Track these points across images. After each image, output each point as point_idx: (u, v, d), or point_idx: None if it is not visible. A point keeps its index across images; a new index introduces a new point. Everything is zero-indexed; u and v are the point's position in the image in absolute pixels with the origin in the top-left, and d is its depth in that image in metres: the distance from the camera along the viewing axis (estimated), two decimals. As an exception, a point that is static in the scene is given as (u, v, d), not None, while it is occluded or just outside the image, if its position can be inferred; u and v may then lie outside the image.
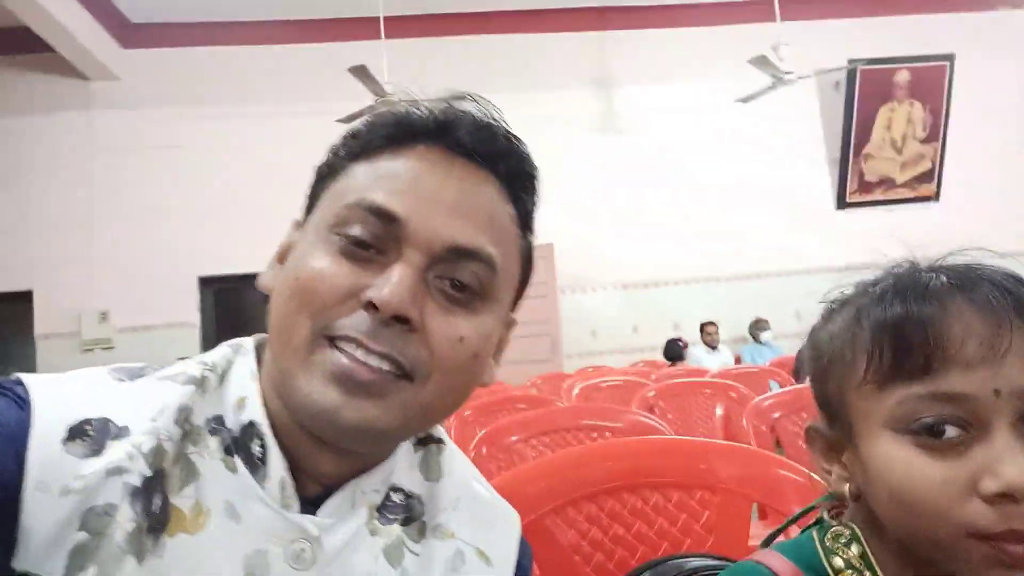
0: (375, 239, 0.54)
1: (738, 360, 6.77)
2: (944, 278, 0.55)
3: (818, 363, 0.61)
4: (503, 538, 0.65)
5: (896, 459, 0.54)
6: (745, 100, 6.42)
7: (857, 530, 0.60)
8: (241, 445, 0.55)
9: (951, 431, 0.52)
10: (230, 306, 7.29)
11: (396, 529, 0.59)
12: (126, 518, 0.49)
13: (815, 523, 0.63)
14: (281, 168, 5.80)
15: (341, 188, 0.58)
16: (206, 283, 7.12)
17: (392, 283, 0.52)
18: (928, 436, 0.52)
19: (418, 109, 0.60)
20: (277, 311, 0.56)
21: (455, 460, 0.66)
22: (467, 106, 0.60)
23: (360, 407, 0.52)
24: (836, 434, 0.60)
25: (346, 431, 0.53)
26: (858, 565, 0.58)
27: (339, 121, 5.71)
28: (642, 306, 7.36)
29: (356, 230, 0.54)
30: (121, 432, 0.51)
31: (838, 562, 0.59)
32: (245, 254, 5.56)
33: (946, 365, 0.52)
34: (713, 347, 6.76)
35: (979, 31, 7.71)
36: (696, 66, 7.53)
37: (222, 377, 0.59)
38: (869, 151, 7.62)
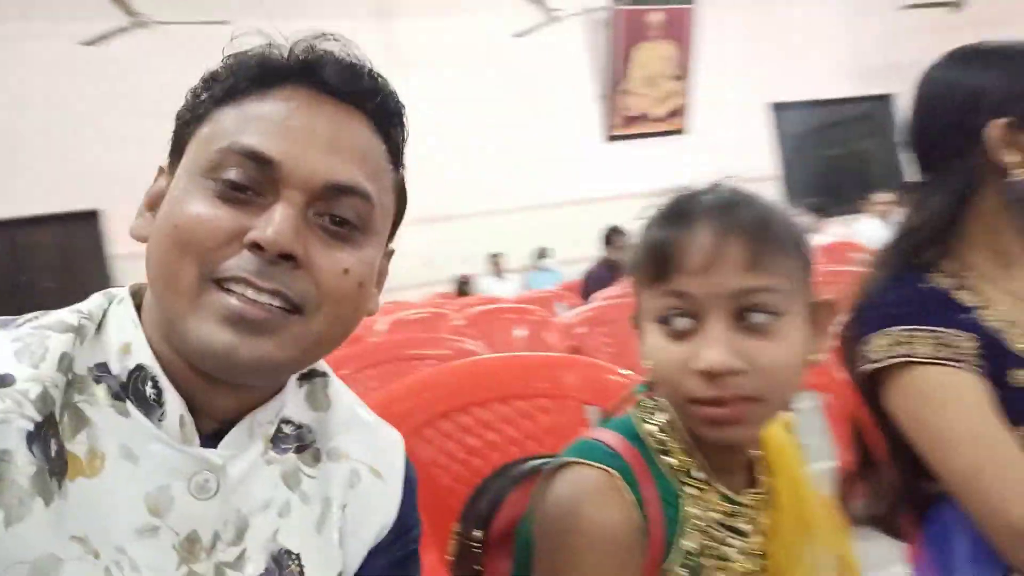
0: (251, 181, 0.55)
1: (527, 288, 7.17)
2: (697, 203, 0.70)
3: (630, 268, 0.76)
4: (391, 456, 0.70)
5: (657, 344, 0.70)
6: (520, 35, 6.61)
7: (663, 401, 0.74)
8: (132, 389, 0.56)
9: (683, 322, 0.68)
10: None
11: (291, 457, 0.63)
12: (26, 461, 0.49)
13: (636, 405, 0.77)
14: (27, 95, 5.04)
15: (210, 133, 0.57)
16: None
17: (275, 223, 0.53)
18: (669, 324, 0.69)
19: (278, 50, 0.60)
20: (158, 258, 0.55)
21: (340, 390, 0.69)
22: (329, 45, 0.60)
23: (255, 344, 0.54)
24: (641, 324, 0.75)
25: (244, 368, 0.55)
26: (664, 427, 0.73)
27: (84, 44, 5.05)
28: (433, 240, 7.47)
29: (231, 174, 0.55)
30: (4, 379, 0.51)
31: (649, 427, 0.74)
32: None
33: (680, 271, 0.67)
34: (499, 276, 7.08)
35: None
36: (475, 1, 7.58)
37: (99, 325, 0.58)
38: (628, 87, 8.24)
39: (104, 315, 0.59)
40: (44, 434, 0.51)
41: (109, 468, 0.53)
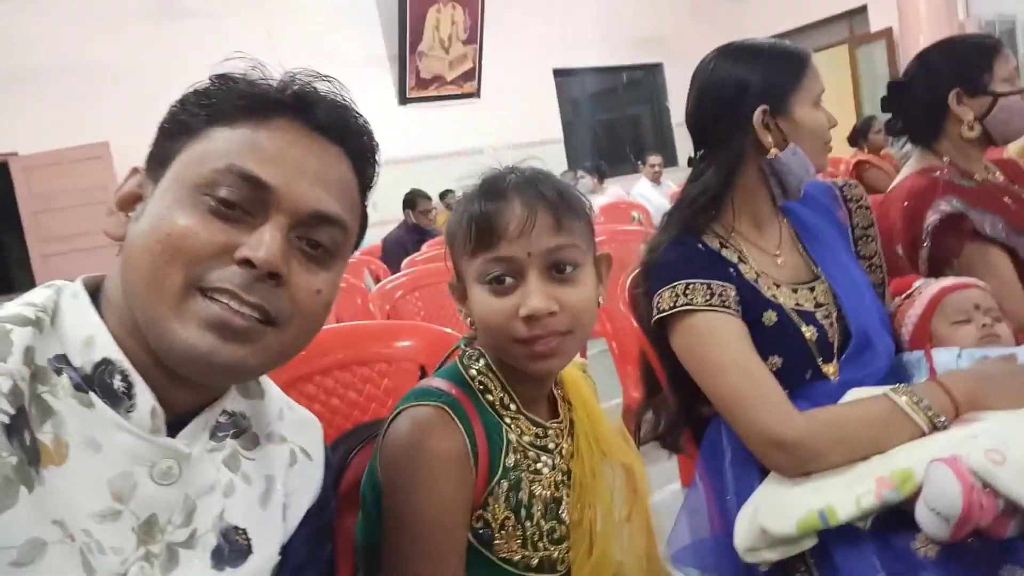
0: (244, 201, 0.61)
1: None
2: (506, 182, 0.85)
3: (449, 241, 0.91)
4: (314, 437, 0.79)
5: (482, 300, 0.85)
6: (307, -9, 6.34)
7: (481, 349, 0.91)
8: (97, 382, 0.59)
9: (507, 280, 0.83)
10: None
11: (230, 442, 0.69)
12: (7, 452, 0.52)
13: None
14: None
15: (203, 150, 0.62)
16: None
17: (266, 243, 0.60)
18: (495, 284, 0.84)
19: (268, 81, 0.67)
20: (144, 263, 0.59)
21: (268, 381, 0.76)
22: (322, 86, 0.68)
23: (234, 351, 0.60)
24: (460, 287, 0.90)
25: (220, 371, 0.61)
26: (484, 371, 0.89)
27: None
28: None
29: (226, 192, 0.60)
30: None
31: (472, 372, 0.90)
32: None
33: (500, 240, 0.82)
34: None
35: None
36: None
37: (52, 318, 0.60)
38: (423, 49, 8.23)
39: (56, 308, 0.61)
40: (18, 425, 0.53)
41: (74, 456, 0.56)
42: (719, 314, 1.11)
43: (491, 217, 0.82)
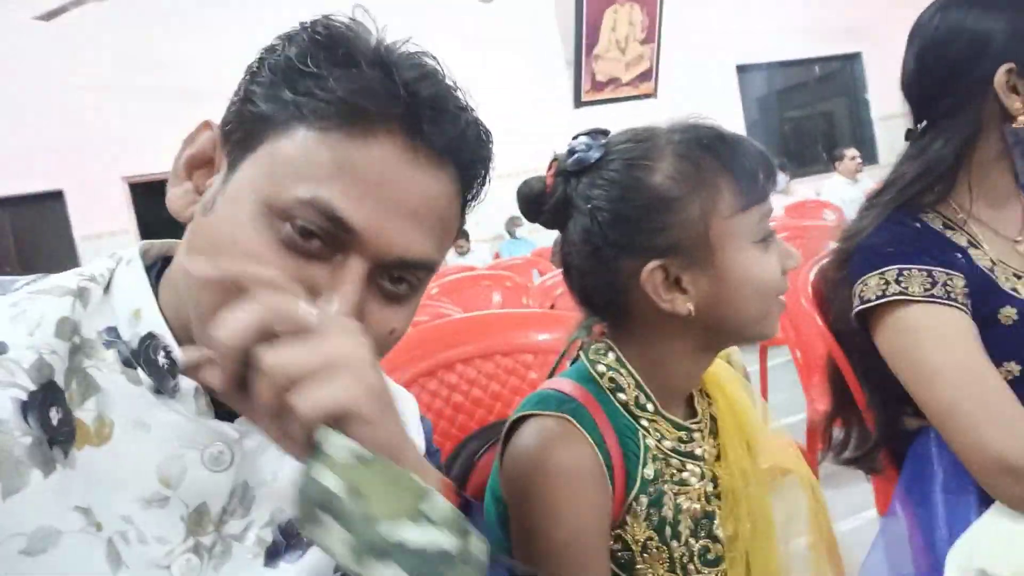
0: (323, 235, 0.52)
1: (497, 256, 7.16)
2: (729, 132, 0.77)
3: (653, 215, 0.74)
4: (410, 416, 0.71)
5: (755, 262, 0.74)
6: (488, 0, 6.52)
7: (611, 343, 0.80)
8: (143, 357, 0.55)
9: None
10: None
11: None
12: (21, 432, 0.48)
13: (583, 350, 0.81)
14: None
15: (288, 157, 0.52)
16: None
17: (343, 296, 0.52)
18: (767, 239, 0.75)
19: (380, 72, 0.53)
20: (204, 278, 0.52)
21: None
22: (427, 80, 0.55)
23: None
24: (683, 265, 0.74)
25: None
26: (615, 365, 0.78)
27: (39, 18, 4.89)
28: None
29: (304, 224, 0.51)
30: None
31: (600, 368, 0.79)
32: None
33: (766, 190, 0.75)
34: (462, 253, 7.01)
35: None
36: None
37: (106, 288, 0.56)
38: (598, 52, 8.18)
39: (111, 277, 0.57)
40: (41, 403, 0.50)
41: (118, 436, 0.52)
42: (941, 307, 0.92)
43: (759, 166, 0.74)
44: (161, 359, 0.55)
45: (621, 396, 0.78)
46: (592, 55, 8.14)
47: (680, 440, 0.79)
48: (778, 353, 3.38)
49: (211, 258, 0.51)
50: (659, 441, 0.77)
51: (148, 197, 6.87)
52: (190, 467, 0.54)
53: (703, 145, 0.75)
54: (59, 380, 0.51)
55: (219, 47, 6.54)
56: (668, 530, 0.75)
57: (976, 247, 0.99)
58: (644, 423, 0.77)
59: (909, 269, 0.94)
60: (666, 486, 0.76)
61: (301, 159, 0.52)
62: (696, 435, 0.80)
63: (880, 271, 0.96)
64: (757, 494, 0.80)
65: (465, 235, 6.98)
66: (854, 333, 1.02)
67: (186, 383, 0.55)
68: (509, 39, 7.70)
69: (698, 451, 0.79)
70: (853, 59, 9.66)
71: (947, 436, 0.90)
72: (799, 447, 1.85)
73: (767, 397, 3.04)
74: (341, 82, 0.52)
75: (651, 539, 0.74)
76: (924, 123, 1.04)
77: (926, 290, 0.93)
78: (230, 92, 0.58)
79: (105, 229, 6.79)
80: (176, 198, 0.57)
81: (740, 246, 0.74)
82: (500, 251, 7.27)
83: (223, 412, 0.56)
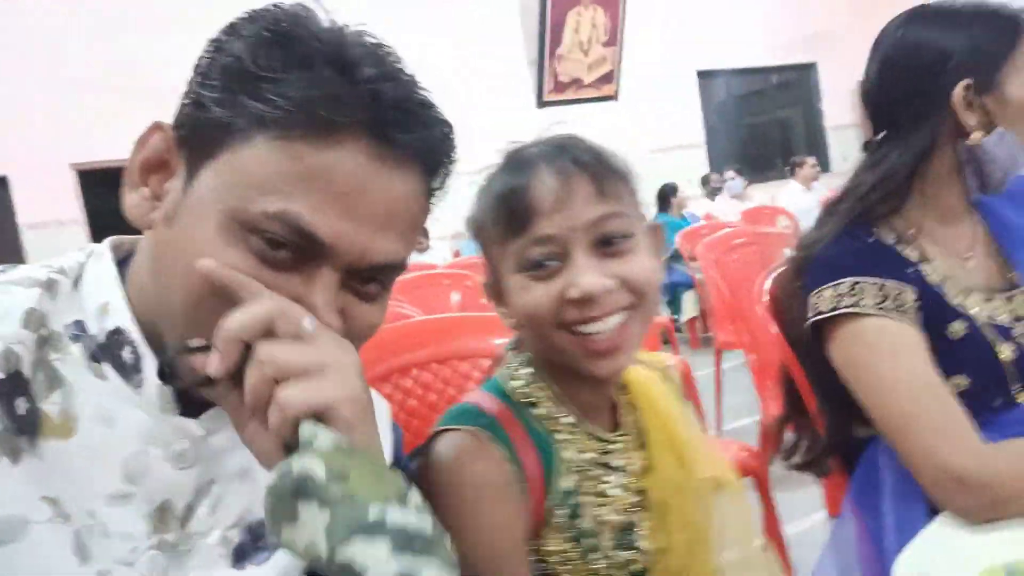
0: (294, 248, 0.52)
1: (457, 254, 7.12)
2: (532, 151, 0.74)
3: (476, 233, 0.78)
4: (381, 421, 0.70)
5: (522, 290, 0.72)
6: (450, -3, 6.49)
7: (526, 356, 0.79)
8: (108, 352, 0.54)
9: (549, 264, 0.71)
10: None
11: None
12: None
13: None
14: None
15: (251, 169, 0.50)
16: None
17: (318, 309, 0.52)
18: (536, 270, 0.71)
19: (338, 73, 0.51)
20: (182, 293, 0.51)
21: None
22: (392, 76, 0.54)
23: None
24: (495, 285, 0.77)
25: None
26: (530, 379, 0.77)
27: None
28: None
29: (272, 236, 0.51)
30: None
31: (513, 384, 0.77)
32: None
33: (534, 217, 0.70)
34: (421, 251, 6.96)
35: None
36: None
37: (76, 281, 0.56)
38: (561, 52, 8.22)
39: (81, 270, 0.57)
40: (9, 392, 0.49)
41: (83, 431, 0.52)
42: (892, 321, 0.94)
43: (521, 193, 0.71)
44: (126, 354, 0.54)
45: (536, 411, 0.76)
46: (555, 55, 8.16)
47: (600, 452, 0.77)
48: (732, 356, 3.44)
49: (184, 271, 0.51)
50: (578, 453, 0.76)
51: (97, 185, 6.66)
52: (154, 464, 0.54)
53: (494, 170, 0.78)
54: (25, 371, 0.50)
55: (170, 38, 6.39)
56: (588, 541, 0.74)
57: (927, 262, 1.00)
58: (561, 436, 0.76)
59: (863, 282, 0.95)
60: (585, 498, 0.75)
61: (265, 170, 0.50)
62: (616, 447, 0.78)
63: (834, 283, 0.97)
64: (691, 506, 0.79)
65: (424, 232, 6.90)
66: (808, 341, 1.02)
67: (150, 379, 0.54)
68: (472, 35, 7.68)
69: (616, 463, 0.77)
70: (808, 69, 9.87)
71: (898, 447, 0.92)
72: (749, 449, 1.88)
73: (721, 400, 3.08)
74: (299, 87, 0.50)
75: (565, 552, 0.73)
76: (882, 134, 1.05)
77: (878, 303, 0.94)
78: (180, 83, 0.55)
79: (52, 218, 6.57)
80: (134, 206, 0.56)
81: (510, 274, 0.75)
82: (460, 249, 7.24)
83: (188, 410, 0.56)
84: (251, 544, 0.58)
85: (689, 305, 5.11)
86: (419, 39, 7.41)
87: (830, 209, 1.08)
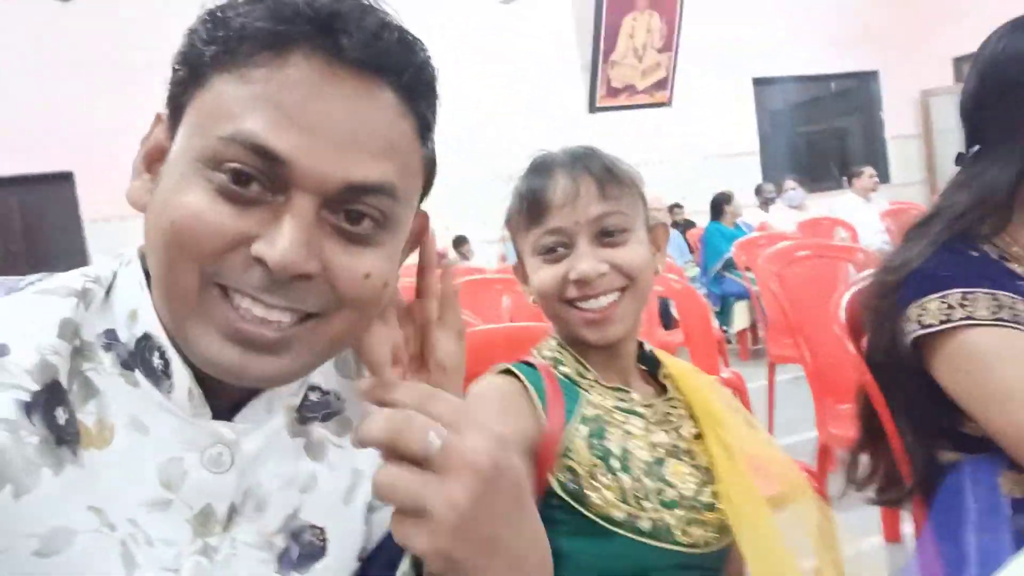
0: (259, 176, 0.48)
1: (503, 258, 7.14)
2: (552, 159, 0.90)
3: (508, 225, 0.95)
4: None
5: (537, 271, 0.89)
6: (506, 1, 6.51)
7: (555, 335, 0.94)
8: (139, 358, 0.53)
9: (559, 249, 0.88)
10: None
11: (317, 427, 0.61)
12: (27, 432, 0.48)
13: None
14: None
15: (209, 106, 0.50)
16: None
17: (283, 241, 0.47)
18: (548, 254, 0.88)
19: None
20: (157, 252, 0.50)
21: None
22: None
23: (265, 362, 0.50)
24: (522, 267, 0.94)
25: (254, 382, 0.52)
26: (557, 349, 0.92)
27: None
28: (413, 209, 7.40)
29: (235, 167, 0.48)
30: (0, 349, 0.49)
31: (544, 353, 0.93)
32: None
33: (549, 212, 0.87)
34: (466, 258, 6.99)
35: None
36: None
37: (108, 289, 0.55)
38: (615, 58, 8.18)
39: (114, 278, 0.56)
40: (46, 403, 0.49)
41: (119, 439, 0.51)
42: (1010, 330, 0.89)
43: (539, 192, 0.87)
44: (156, 360, 0.53)
45: (563, 368, 0.91)
46: (609, 61, 8.13)
47: (619, 400, 0.89)
48: (783, 370, 3.36)
49: (157, 226, 0.50)
50: (600, 398, 0.88)
51: (160, 181, 6.87)
52: (191, 469, 0.53)
53: (519, 178, 0.93)
54: (63, 380, 0.50)
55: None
56: (614, 462, 0.82)
57: None
58: (583, 387, 0.89)
59: (974, 293, 0.91)
60: (606, 426, 0.85)
61: (219, 102, 0.49)
62: (635, 396, 0.90)
63: (941, 295, 0.93)
64: (741, 472, 0.87)
65: (464, 239, 6.95)
66: (892, 364, 0.99)
67: (180, 384, 0.53)
68: (526, 40, 7.69)
69: (639, 409, 0.89)
70: (870, 77, 9.63)
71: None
72: (807, 469, 1.83)
73: (773, 413, 3.01)
74: (247, 16, 0.49)
75: (596, 466, 0.82)
76: (977, 147, 1.01)
77: (993, 313, 0.90)
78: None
79: (114, 213, 6.78)
80: (134, 190, 0.55)
81: (530, 259, 0.92)
82: (506, 253, 7.25)
83: (220, 412, 0.55)
84: (296, 551, 0.57)
85: (741, 316, 5.01)
86: (474, 42, 7.50)
87: (918, 231, 1.03)
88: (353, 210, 0.51)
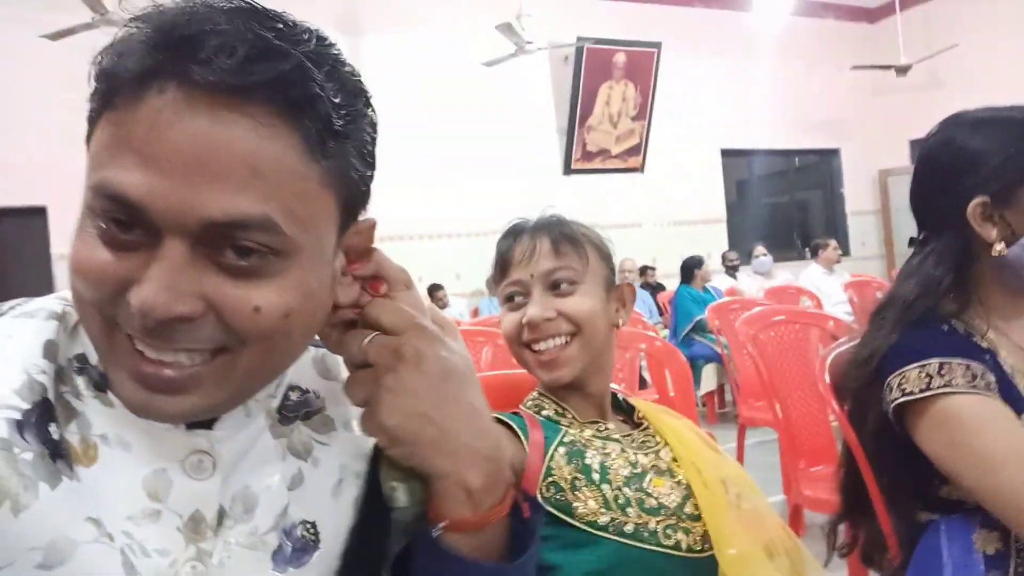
0: (130, 221, 0.47)
1: (475, 312, 7.17)
2: (523, 224, 1.03)
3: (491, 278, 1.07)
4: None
5: (503, 316, 1.02)
6: (489, 64, 6.71)
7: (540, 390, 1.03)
8: (108, 380, 0.54)
9: (516, 298, 1.00)
10: None
11: (299, 425, 0.61)
12: (20, 448, 0.49)
13: None
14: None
15: (91, 154, 0.49)
16: None
17: (146, 287, 0.46)
18: (510, 302, 1.01)
19: (143, 24, 0.48)
20: (73, 292, 0.51)
21: (343, 367, 0.65)
22: (193, 13, 0.47)
23: (172, 402, 0.50)
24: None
25: (166, 420, 0.53)
26: (536, 397, 1.02)
27: (45, 37, 4.92)
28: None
29: (107, 215, 0.47)
30: None
31: (527, 404, 1.02)
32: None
33: (512, 267, 1.00)
34: (441, 304, 7.00)
35: (683, 23, 8.83)
36: (444, 23, 7.65)
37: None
38: (591, 123, 8.42)
39: None
40: (38, 419, 0.50)
41: (104, 457, 0.53)
42: (984, 398, 0.94)
43: (506, 251, 1.02)
44: None
45: (544, 412, 1.00)
46: (585, 126, 8.36)
47: (596, 430, 0.98)
48: (755, 434, 3.41)
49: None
50: (579, 432, 0.96)
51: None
52: (175, 479, 0.54)
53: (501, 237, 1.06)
54: (51, 398, 0.51)
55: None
56: (595, 476, 0.90)
57: (997, 354, 1.01)
58: (564, 424, 0.98)
59: (950, 363, 0.95)
60: (588, 448, 0.93)
61: (95, 150, 0.49)
62: (611, 426, 1.00)
63: (920, 364, 0.96)
64: (721, 494, 0.93)
65: (438, 286, 6.95)
66: (883, 427, 1.02)
67: None
68: (506, 102, 7.88)
69: (616, 436, 0.97)
70: (831, 154, 10.02)
71: (1012, 520, 0.90)
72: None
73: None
74: (117, 54, 0.48)
75: (578, 479, 0.89)
76: (923, 235, 1.07)
77: (969, 381, 0.94)
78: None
79: (83, 249, 6.68)
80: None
81: (501, 307, 1.06)
82: (479, 307, 7.29)
83: (195, 422, 0.55)
84: (290, 547, 0.58)
85: (709, 378, 5.10)
86: (457, 104, 7.66)
87: (877, 318, 1.07)
88: (237, 245, 0.48)
